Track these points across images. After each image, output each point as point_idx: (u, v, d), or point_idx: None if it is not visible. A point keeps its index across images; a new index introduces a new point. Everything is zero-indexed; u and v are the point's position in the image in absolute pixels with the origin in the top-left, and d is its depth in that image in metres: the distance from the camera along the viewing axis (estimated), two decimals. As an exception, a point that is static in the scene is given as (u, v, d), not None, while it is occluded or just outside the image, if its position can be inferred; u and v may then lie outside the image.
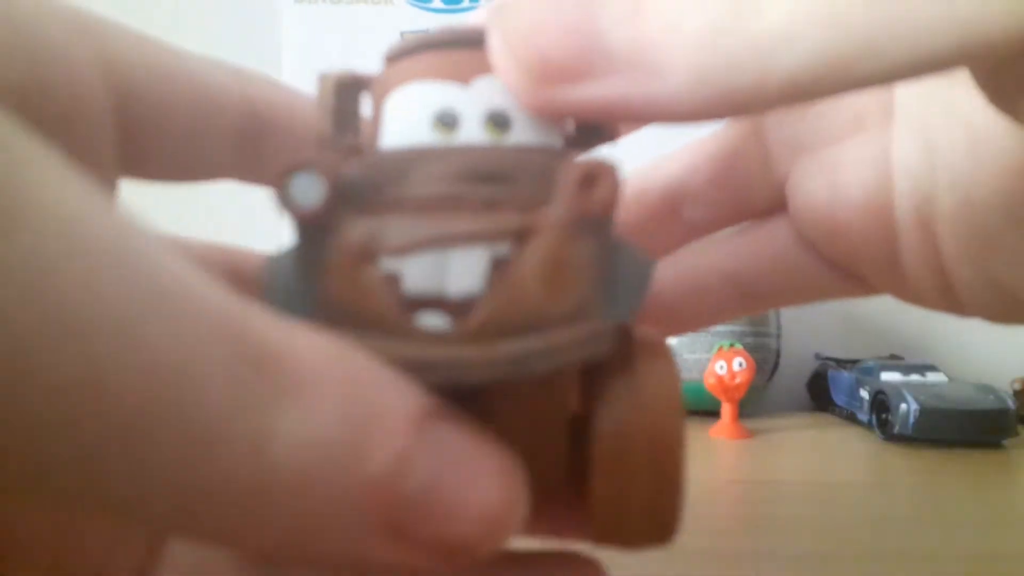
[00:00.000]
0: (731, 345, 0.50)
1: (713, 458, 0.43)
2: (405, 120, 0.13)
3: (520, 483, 0.10)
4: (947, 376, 0.52)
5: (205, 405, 0.08)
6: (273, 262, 0.12)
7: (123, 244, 0.08)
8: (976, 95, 0.14)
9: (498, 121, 0.13)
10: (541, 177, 0.12)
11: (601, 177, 0.11)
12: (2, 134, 0.07)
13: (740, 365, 0.48)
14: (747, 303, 0.20)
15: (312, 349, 0.09)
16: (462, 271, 0.11)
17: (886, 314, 0.68)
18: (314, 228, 0.11)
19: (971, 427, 0.46)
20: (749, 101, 0.11)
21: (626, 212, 0.19)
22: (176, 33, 0.70)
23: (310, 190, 0.11)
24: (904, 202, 0.17)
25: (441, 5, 0.72)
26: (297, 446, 0.08)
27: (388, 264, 0.11)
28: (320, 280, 0.11)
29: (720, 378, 0.48)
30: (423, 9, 0.72)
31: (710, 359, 0.50)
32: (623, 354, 0.12)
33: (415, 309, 0.11)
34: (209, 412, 0.08)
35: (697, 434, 0.49)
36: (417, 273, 0.11)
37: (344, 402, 0.09)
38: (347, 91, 0.14)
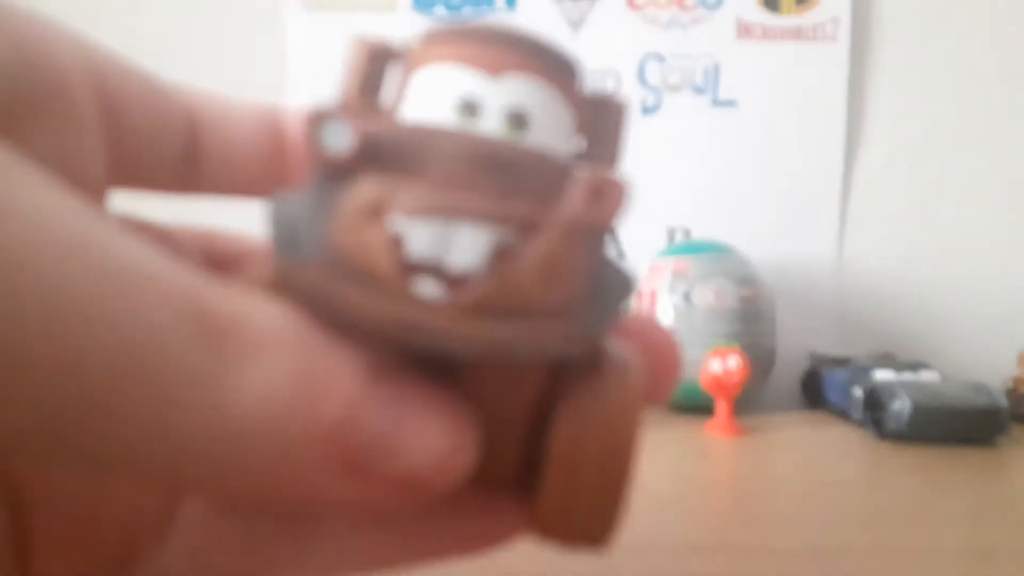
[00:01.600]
0: (726, 344, 0.51)
1: (707, 454, 0.43)
2: (429, 98, 0.13)
3: (468, 428, 0.11)
4: (940, 374, 0.52)
5: (167, 373, 0.09)
6: (280, 202, 0.12)
7: (86, 234, 0.09)
8: None
9: (517, 120, 0.13)
10: (553, 179, 0.12)
11: (610, 192, 0.12)
12: None
13: (735, 363, 0.48)
14: None
15: (264, 317, 0.10)
16: (466, 246, 0.11)
17: (880, 312, 0.69)
18: (334, 175, 0.12)
19: (964, 425, 0.46)
20: None
21: None
22: (182, 41, 0.70)
23: (341, 137, 0.11)
24: None
25: (444, 12, 0.73)
26: (254, 403, 0.09)
27: (396, 224, 0.11)
28: (328, 227, 0.12)
29: (715, 376, 0.49)
30: (426, 16, 0.73)
31: (705, 357, 0.50)
32: (594, 362, 0.13)
33: (413, 273, 0.11)
34: (171, 379, 0.09)
35: (692, 431, 0.49)
36: (422, 238, 0.11)
37: (296, 360, 0.10)
38: (378, 59, 0.14)
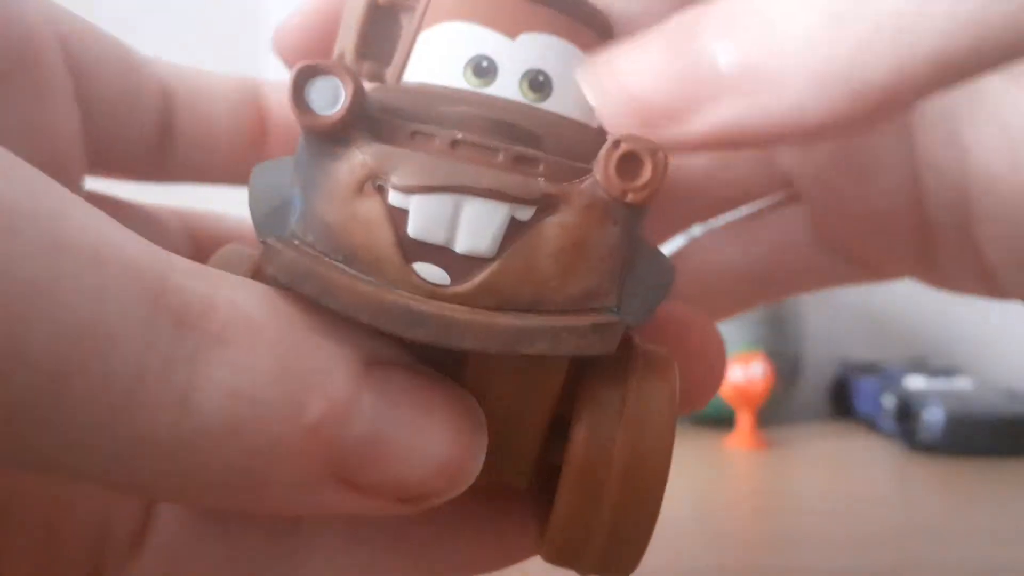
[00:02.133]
0: (749, 349, 0.49)
1: (729, 470, 0.42)
2: (438, 59, 0.12)
3: (478, 431, 0.10)
4: (974, 380, 0.51)
5: (124, 360, 0.08)
6: (264, 171, 0.11)
7: (35, 204, 0.08)
8: (1012, 94, 0.13)
9: (537, 83, 0.12)
10: (578, 149, 0.11)
11: (648, 162, 0.10)
12: None
13: (758, 371, 0.47)
14: (759, 297, 0.20)
15: (241, 301, 0.09)
16: (475, 226, 0.10)
17: (912, 316, 0.67)
18: (325, 141, 0.10)
19: (1000, 436, 0.44)
20: (888, 97, 0.10)
21: None
22: (160, 20, 0.69)
23: (331, 98, 0.10)
24: (937, 204, 0.16)
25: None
26: (223, 399, 0.08)
27: (397, 199, 0.10)
28: (317, 201, 0.10)
29: (737, 385, 0.47)
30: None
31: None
32: (621, 362, 0.11)
33: (414, 254, 0.10)
34: (128, 367, 0.08)
35: (711, 444, 0.48)
36: (426, 216, 0.10)
37: (274, 350, 0.09)
38: (380, 13, 0.13)
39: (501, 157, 0.10)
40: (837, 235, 0.18)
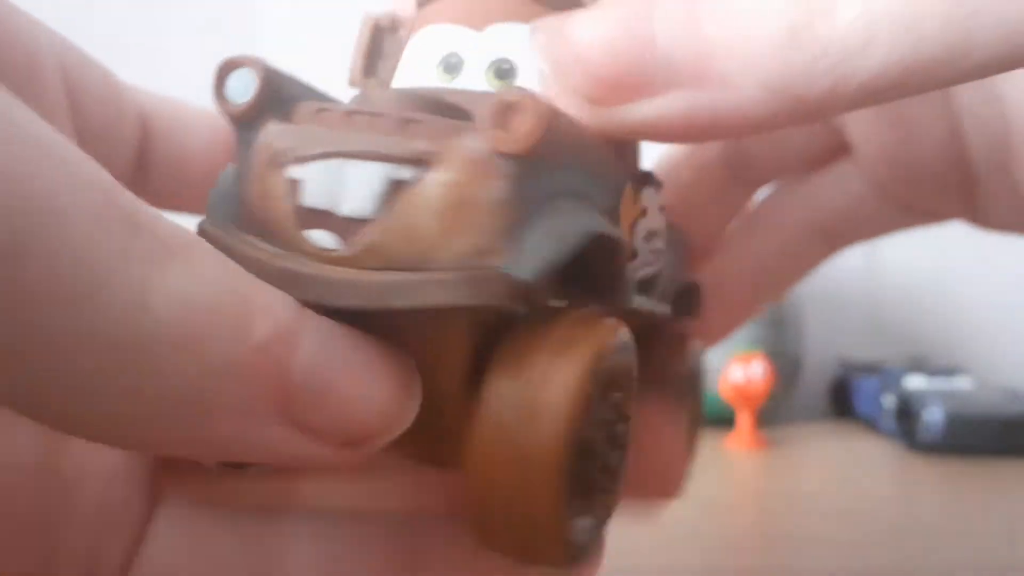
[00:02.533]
0: (749, 349, 0.49)
1: (728, 470, 0.42)
2: (416, 63, 0.13)
3: (411, 372, 0.11)
4: (974, 380, 0.51)
5: (79, 244, 0.08)
6: (223, 172, 0.12)
7: None
8: None
9: (502, 71, 0.12)
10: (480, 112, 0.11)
11: (520, 109, 0.10)
12: None
13: (758, 371, 0.47)
14: (828, 251, 0.21)
15: (184, 229, 0.09)
16: (356, 189, 0.10)
17: (912, 316, 0.67)
18: (244, 128, 0.11)
19: (1000, 435, 0.44)
20: (823, 109, 0.11)
21: (683, 181, 0.20)
22: (152, 17, 0.69)
23: (244, 87, 0.11)
24: (977, 147, 0.17)
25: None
26: (180, 302, 0.08)
27: (294, 171, 0.10)
28: (242, 184, 0.11)
29: (736, 385, 0.47)
30: None
31: (726, 364, 0.48)
32: (534, 330, 0.11)
33: (306, 222, 0.10)
34: (85, 252, 0.08)
35: (711, 444, 0.47)
36: (314, 183, 0.10)
37: (222, 270, 0.09)
38: (382, 34, 0.14)
39: (388, 123, 0.10)
40: (888, 183, 0.19)
